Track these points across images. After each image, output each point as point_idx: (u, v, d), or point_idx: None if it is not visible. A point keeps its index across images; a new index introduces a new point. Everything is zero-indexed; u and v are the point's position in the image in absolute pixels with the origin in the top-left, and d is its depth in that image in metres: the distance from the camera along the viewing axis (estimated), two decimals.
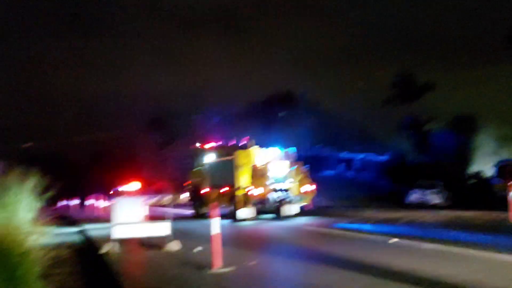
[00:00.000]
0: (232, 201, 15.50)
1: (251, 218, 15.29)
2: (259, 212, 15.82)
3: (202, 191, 17.78)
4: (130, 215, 8.94)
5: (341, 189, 29.26)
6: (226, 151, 16.70)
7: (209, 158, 17.55)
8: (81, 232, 13.87)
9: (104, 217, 19.04)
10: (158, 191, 43.74)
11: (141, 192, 41.56)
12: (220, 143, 18.17)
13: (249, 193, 14.84)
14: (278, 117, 53.98)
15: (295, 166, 15.67)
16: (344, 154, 50.44)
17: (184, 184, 19.96)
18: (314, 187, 15.68)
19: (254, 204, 15.27)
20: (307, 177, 15.71)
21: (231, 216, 15.51)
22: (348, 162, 40.68)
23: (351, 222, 13.47)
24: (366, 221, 13.79)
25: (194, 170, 19.00)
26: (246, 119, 55.25)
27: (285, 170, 15.60)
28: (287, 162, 15.79)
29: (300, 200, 15.50)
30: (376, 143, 60.05)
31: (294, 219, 15.31)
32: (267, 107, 59.44)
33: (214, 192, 16.80)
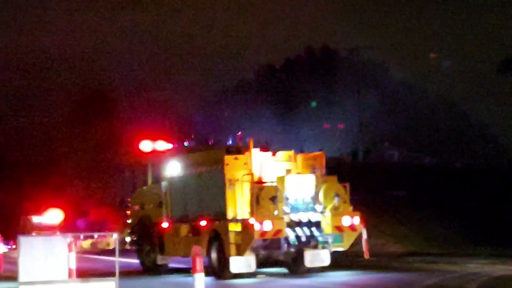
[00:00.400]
0: (216, 244, 15.82)
1: (250, 273, 15.48)
2: (264, 262, 16.04)
3: (159, 226, 18.13)
4: (48, 268, 9.35)
5: (427, 221, 29.18)
6: (204, 156, 17.16)
7: (173, 169, 17.87)
8: None
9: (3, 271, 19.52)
10: (95, 226, 44.09)
11: (66, 227, 41.99)
12: (193, 141, 18.73)
13: (248, 229, 14.96)
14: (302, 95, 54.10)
15: (327, 183, 15.80)
16: (431, 160, 50.45)
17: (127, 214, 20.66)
18: (359, 219, 15.85)
19: (257, 249, 15.43)
20: (348, 201, 15.84)
21: (215, 269, 15.87)
22: (440, 173, 40.98)
23: (444, 281, 13.53)
24: (471, 279, 13.80)
25: (143, 189, 19.50)
26: (248, 100, 54.97)
27: (310, 190, 15.77)
28: (313, 176, 15.90)
29: (336, 241, 15.69)
30: (489, 140, 59.58)
31: (326, 274, 15.56)
32: (284, 77, 58.66)
33: (182, 227, 17.33)
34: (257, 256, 15.49)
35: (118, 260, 9.97)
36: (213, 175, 16.06)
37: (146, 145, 18.83)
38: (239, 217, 15.47)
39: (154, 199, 18.62)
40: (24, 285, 9.21)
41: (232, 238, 15.35)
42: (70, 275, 9.89)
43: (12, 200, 45.41)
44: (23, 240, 9.58)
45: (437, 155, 52.89)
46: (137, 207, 19.76)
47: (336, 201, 15.68)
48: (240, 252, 15.19)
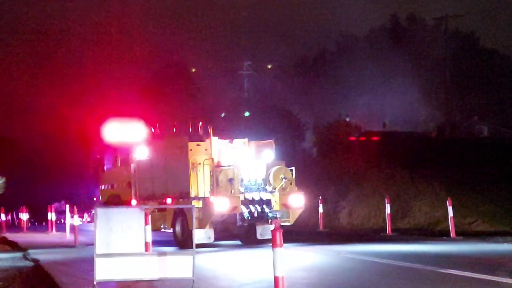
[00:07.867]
0: (180, 219, 18.99)
1: (207, 243, 18.60)
2: (221, 235, 19.18)
3: (128, 204, 20.73)
4: (124, 240, 9.57)
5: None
6: (170, 142, 20.03)
7: (142, 153, 21.04)
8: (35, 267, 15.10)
9: (75, 242, 21.34)
10: None
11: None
12: (156, 129, 21.28)
13: (209, 206, 18.01)
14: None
15: (276, 167, 18.88)
16: None
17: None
18: (303, 198, 18.84)
19: (215, 224, 18.61)
20: (293, 183, 18.92)
21: (179, 240, 19.03)
22: None
23: None
24: None
25: (112, 170, 22.50)
26: (329, 70, 55.58)
27: (261, 173, 18.86)
28: (265, 161, 19.03)
29: (284, 217, 18.75)
30: None
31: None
32: (368, 47, 58.85)
33: (149, 204, 20.02)
34: (215, 229, 18.59)
35: (195, 233, 10.71)
36: (178, 159, 19.08)
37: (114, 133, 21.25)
38: (200, 196, 18.52)
39: (124, 180, 21.77)
40: (101, 257, 9.46)
41: (195, 213, 17.85)
42: (146, 248, 10.32)
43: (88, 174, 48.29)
44: (100, 211, 9.72)
45: None
46: (107, 186, 23.08)
47: (283, 182, 18.74)
48: (201, 226, 18.17)
